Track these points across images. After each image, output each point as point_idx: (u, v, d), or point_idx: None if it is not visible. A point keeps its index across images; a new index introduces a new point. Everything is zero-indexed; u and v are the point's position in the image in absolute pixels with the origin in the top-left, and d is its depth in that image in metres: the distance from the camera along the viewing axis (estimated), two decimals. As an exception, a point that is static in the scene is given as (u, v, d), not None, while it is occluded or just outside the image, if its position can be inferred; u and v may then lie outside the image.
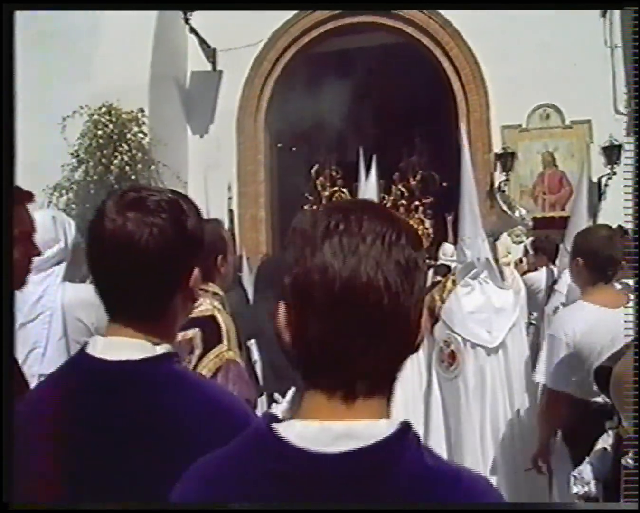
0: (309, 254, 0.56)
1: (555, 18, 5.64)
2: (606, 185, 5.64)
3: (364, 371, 0.55)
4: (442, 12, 6.05)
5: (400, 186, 7.68)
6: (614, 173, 5.58)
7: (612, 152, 5.58)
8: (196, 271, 0.86)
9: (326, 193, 7.61)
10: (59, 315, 1.74)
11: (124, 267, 0.81)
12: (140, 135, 5.68)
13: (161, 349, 0.83)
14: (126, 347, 0.82)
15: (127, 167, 5.49)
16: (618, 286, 2.09)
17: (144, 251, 0.80)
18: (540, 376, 2.01)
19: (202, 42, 6.38)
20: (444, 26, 6.10)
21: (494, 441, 2.41)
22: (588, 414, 1.89)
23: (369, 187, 3.22)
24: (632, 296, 1.98)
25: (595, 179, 5.74)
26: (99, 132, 5.46)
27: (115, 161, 5.47)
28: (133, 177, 5.52)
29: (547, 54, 5.60)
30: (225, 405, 0.82)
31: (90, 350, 0.84)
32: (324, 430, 0.54)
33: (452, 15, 6.03)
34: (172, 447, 0.77)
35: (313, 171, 7.57)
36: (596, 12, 5.84)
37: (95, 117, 5.50)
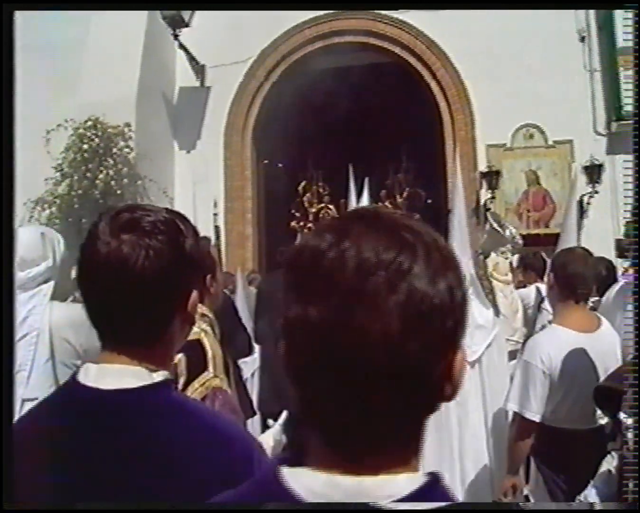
0: (293, 296, 0.45)
1: (538, 41, 5.83)
2: (588, 203, 5.77)
3: (366, 433, 0.45)
4: (429, 32, 6.19)
5: (387, 203, 7.74)
6: (596, 192, 5.72)
7: (593, 172, 5.72)
8: (194, 294, 0.83)
9: (313, 210, 7.64)
10: (45, 336, 1.67)
11: (119, 292, 0.76)
12: (127, 149, 5.63)
13: (158, 376, 0.78)
14: (121, 375, 0.77)
15: (113, 182, 5.42)
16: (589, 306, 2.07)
17: (140, 274, 0.76)
18: (512, 405, 1.93)
19: (191, 58, 6.39)
20: (430, 47, 6.23)
21: (473, 458, 2.40)
22: (561, 440, 1.87)
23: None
24: (603, 320, 1.98)
25: (577, 198, 5.87)
26: (85, 146, 5.38)
27: (101, 176, 5.39)
28: (119, 192, 5.45)
29: (530, 76, 5.75)
30: (226, 434, 0.78)
31: (81, 378, 0.79)
32: (332, 486, 0.46)
33: (438, 36, 6.17)
34: (172, 478, 0.73)
35: (300, 187, 7.59)
36: (576, 37, 6.05)
37: (81, 130, 5.43)
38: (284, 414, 1.77)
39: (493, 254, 3.39)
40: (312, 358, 0.44)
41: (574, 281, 1.94)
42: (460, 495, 2.30)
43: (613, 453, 1.52)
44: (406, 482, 0.46)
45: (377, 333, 0.42)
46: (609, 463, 1.51)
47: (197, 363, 1.41)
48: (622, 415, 1.37)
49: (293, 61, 6.69)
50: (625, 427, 1.32)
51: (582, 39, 6.03)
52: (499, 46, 5.85)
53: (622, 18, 5.96)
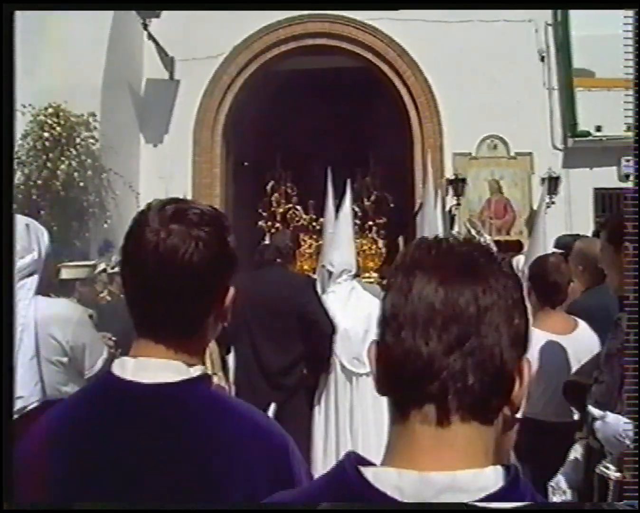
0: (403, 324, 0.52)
1: (503, 58, 6.11)
2: (545, 213, 6.10)
3: (455, 427, 0.50)
4: (401, 41, 6.34)
5: (354, 206, 7.82)
6: (553, 202, 6.06)
7: (550, 183, 6.07)
8: (231, 290, 0.83)
9: (280, 210, 7.62)
10: (31, 332, 1.58)
11: (165, 281, 0.76)
12: (91, 140, 5.39)
13: (196, 371, 0.78)
14: (161, 369, 0.77)
15: (76, 174, 5.17)
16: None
17: (187, 265, 0.75)
18: None
19: (160, 49, 6.21)
20: (401, 55, 6.38)
21: None
22: (538, 432, 1.96)
23: (344, 214, 3.27)
24: (580, 322, 2.12)
25: (535, 207, 6.20)
26: (45, 134, 5.11)
27: (62, 166, 5.13)
28: (82, 184, 5.21)
29: (496, 90, 6.03)
30: (264, 428, 0.79)
31: (118, 372, 0.77)
32: (424, 483, 0.47)
33: (409, 45, 6.34)
34: (215, 471, 0.74)
35: (268, 187, 7.55)
36: (537, 57, 6.39)
37: (41, 117, 5.15)
38: (273, 406, 1.78)
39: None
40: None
41: (552, 290, 2.08)
42: None
43: (580, 441, 1.61)
44: (494, 475, 0.49)
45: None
46: (576, 451, 1.61)
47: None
48: (590, 407, 1.46)
49: (266, 60, 6.65)
50: (592, 418, 1.42)
51: (542, 59, 6.38)
52: (467, 61, 6.09)
53: (578, 41, 6.38)
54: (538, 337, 2.03)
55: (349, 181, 3.61)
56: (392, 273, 0.56)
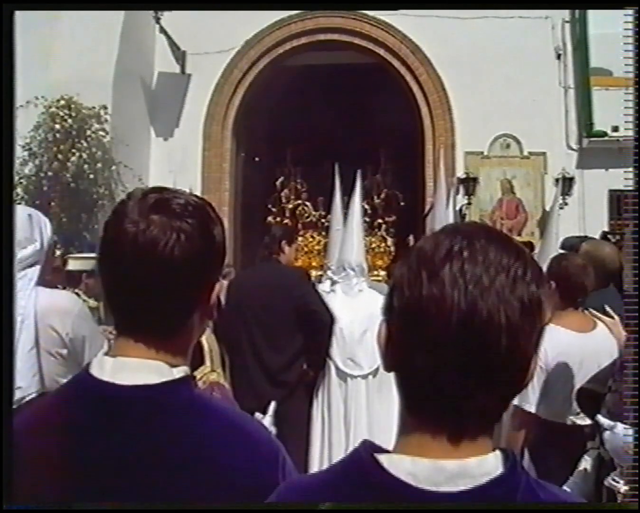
0: (426, 278, 0.51)
1: (518, 56, 6.01)
2: (559, 214, 6.00)
3: (472, 411, 0.51)
4: (414, 38, 6.26)
5: (364, 203, 7.77)
6: (566, 203, 5.95)
7: (564, 184, 5.95)
8: (218, 286, 0.78)
9: (290, 206, 7.59)
10: (31, 323, 1.57)
11: (145, 275, 0.71)
12: (102, 133, 5.41)
13: (179, 372, 0.74)
14: (141, 369, 0.72)
15: (86, 166, 5.19)
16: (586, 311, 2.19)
17: (168, 258, 0.71)
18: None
19: (172, 43, 6.21)
20: (414, 52, 6.31)
21: None
22: (554, 434, 1.97)
23: (353, 210, 3.20)
24: (598, 321, 2.09)
25: (548, 208, 6.10)
26: (57, 125, 5.14)
27: (73, 158, 5.16)
28: (92, 176, 5.24)
29: (510, 88, 5.92)
30: (251, 435, 0.75)
31: (95, 372, 0.73)
32: (436, 469, 0.51)
33: (423, 42, 6.26)
34: (196, 479, 0.70)
35: (278, 183, 7.54)
36: (553, 55, 6.27)
37: (53, 109, 5.18)
38: (273, 405, 1.76)
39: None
40: (438, 339, 0.50)
41: (577, 292, 2.08)
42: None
43: (591, 451, 1.57)
44: (494, 460, 0.52)
45: (502, 320, 0.50)
46: (587, 461, 1.57)
47: (194, 356, 1.37)
48: (600, 417, 1.42)
49: (277, 55, 6.62)
50: (603, 428, 1.38)
51: (559, 57, 6.25)
52: (481, 58, 5.99)
53: (596, 40, 6.24)
54: (557, 334, 2.00)
55: (359, 175, 3.47)
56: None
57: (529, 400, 1.97)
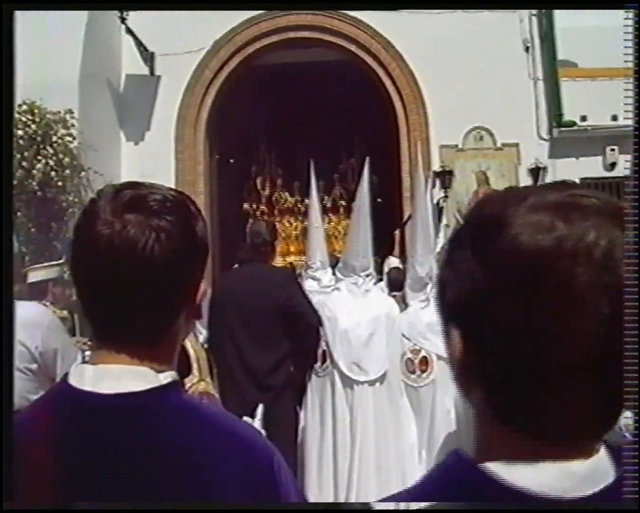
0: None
1: (488, 49, 6.08)
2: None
3: (580, 412, 0.44)
4: (385, 33, 6.27)
5: (339, 187, 7.79)
6: (540, 193, 6.06)
7: (537, 174, 6.06)
8: (203, 285, 0.74)
9: (266, 193, 7.52)
10: (-4, 338, 1.47)
11: (123, 279, 0.66)
12: (68, 138, 5.22)
13: (166, 378, 0.69)
14: (124, 376, 0.67)
15: (53, 173, 5.00)
16: None
17: (148, 260, 0.66)
18: None
19: (140, 44, 6.05)
20: (386, 48, 6.31)
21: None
22: None
23: (361, 203, 3.07)
24: None
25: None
26: (19, 132, 4.93)
27: (39, 165, 4.96)
28: (60, 183, 5.04)
29: (481, 81, 5.99)
30: (245, 440, 0.70)
31: (75, 382, 0.68)
32: (565, 475, 0.44)
33: (394, 37, 6.27)
34: (189, 490, 0.65)
35: (253, 170, 7.46)
36: (521, 48, 6.37)
37: (15, 115, 4.97)
38: (260, 408, 1.71)
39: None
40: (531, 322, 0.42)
41: None
42: (433, 461, 2.37)
43: None
44: (607, 458, 0.46)
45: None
46: None
47: (180, 366, 1.30)
48: None
49: (248, 54, 6.53)
50: None
51: (527, 49, 6.36)
52: (452, 52, 6.05)
53: (562, 33, 6.37)
54: None
55: (366, 167, 3.16)
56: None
57: None
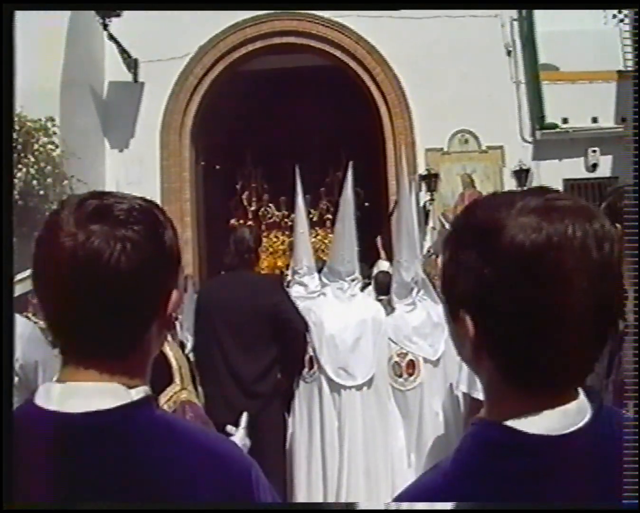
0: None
1: (471, 53, 6.15)
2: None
3: (564, 368, 0.56)
4: (369, 38, 6.31)
5: (326, 201, 7.80)
6: (525, 195, 6.12)
7: (521, 176, 6.14)
8: (175, 294, 0.71)
9: (252, 208, 7.49)
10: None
11: (89, 293, 0.63)
12: (50, 146, 5.14)
13: (138, 393, 0.66)
14: (93, 394, 0.64)
15: (35, 181, 4.91)
16: None
17: (114, 272, 0.63)
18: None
19: (123, 50, 6.00)
20: (370, 52, 6.35)
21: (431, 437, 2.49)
22: None
23: (345, 210, 3.04)
24: None
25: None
26: None
27: (19, 174, 4.86)
28: (42, 192, 4.96)
29: (464, 85, 6.06)
30: (222, 456, 0.68)
31: (40, 402, 0.65)
32: (564, 415, 0.57)
33: (378, 42, 6.32)
34: (166, 504, 0.63)
35: (239, 185, 7.43)
36: (503, 52, 6.46)
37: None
38: (244, 417, 1.68)
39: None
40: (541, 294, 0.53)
41: None
42: (422, 464, 2.36)
43: None
44: (583, 393, 0.58)
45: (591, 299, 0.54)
46: None
47: (161, 375, 1.27)
48: None
49: (232, 60, 6.52)
50: None
51: (509, 53, 6.45)
52: (436, 56, 6.11)
53: (543, 37, 6.48)
54: None
55: (349, 176, 3.17)
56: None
57: (478, 387, 1.96)
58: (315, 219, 7.44)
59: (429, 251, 3.34)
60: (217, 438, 0.74)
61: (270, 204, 7.46)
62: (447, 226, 3.42)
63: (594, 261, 0.53)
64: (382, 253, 5.43)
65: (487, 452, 0.57)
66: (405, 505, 0.62)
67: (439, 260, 3.28)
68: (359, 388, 2.50)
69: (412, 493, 0.61)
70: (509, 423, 0.56)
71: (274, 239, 7.01)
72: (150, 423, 0.66)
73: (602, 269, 0.53)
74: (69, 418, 0.62)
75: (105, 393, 0.64)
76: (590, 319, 0.53)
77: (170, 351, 1.36)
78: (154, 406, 0.69)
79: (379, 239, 5.92)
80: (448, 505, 0.56)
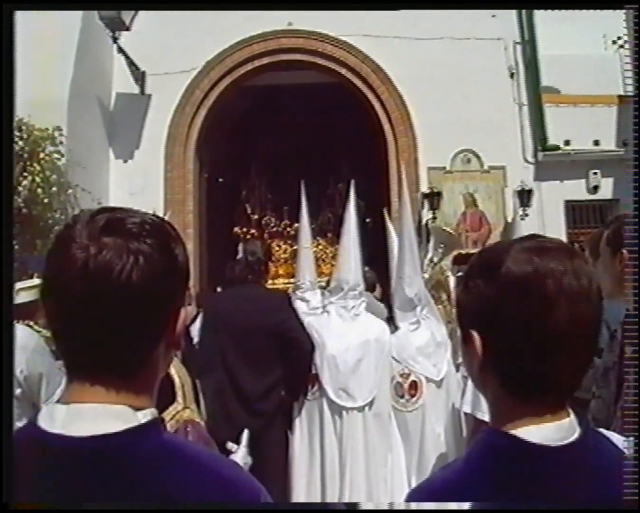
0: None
1: (475, 74, 6.24)
2: (521, 219, 6.20)
3: (555, 387, 0.66)
4: (375, 57, 6.39)
5: (327, 213, 7.81)
6: (527, 214, 6.15)
7: (523, 196, 6.17)
8: (183, 312, 0.70)
9: (255, 217, 7.50)
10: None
11: (99, 307, 0.62)
12: (56, 155, 5.17)
13: (145, 416, 0.64)
14: (100, 417, 0.62)
15: (39, 190, 4.93)
16: None
17: (125, 285, 0.62)
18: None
19: (131, 63, 6.07)
20: (375, 71, 6.43)
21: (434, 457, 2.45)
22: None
23: (349, 223, 3.02)
24: None
25: (509, 219, 6.30)
26: (7, 149, 4.87)
27: (25, 182, 4.88)
28: (46, 200, 4.98)
29: (468, 106, 6.13)
30: (230, 481, 0.67)
31: (44, 424, 0.62)
32: (559, 428, 0.66)
33: (383, 61, 6.40)
34: None
35: (243, 195, 7.46)
36: (506, 74, 6.55)
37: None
38: (246, 434, 1.66)
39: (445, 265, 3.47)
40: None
41: None
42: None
43: None
44: (574, 421, 0.68)
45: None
46: None
47: (164, 393, 1.25)
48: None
49: (239, 75, 6.59)
50: None
51: (512, 76, 6.54)
52: (440, 77, 6.19)
53: (545, 60, 6.57)
54: None
55: (352, 188, 3.14)
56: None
57: (482, 408, 1.90)
58: (316, 229, 7.45)
59: (431, 261, 3.34)
60: (226, 463, 0.73)
61: (272, 213, 7.48)
62: (446, 229, 3.41)
63: (574, 289, 0.64)
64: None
65: (495, 456, 0.65)
66: (414, 505, 0.70)
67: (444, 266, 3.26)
68: (360, 409, 2.46)
69: (426, 489, 0.70)
70: (514, 432, 0.65)
71: (276, 248, 7.03)
72: (158, 447, 0.64)
73: (580, 297, 0.64)
74: (74, 441, 0.60)
75: (112, 416, 0.62)
76: (574, 338, 0.64)
77: (173, 368, 1.34)
78: (161, 429, 0.67)
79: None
80: (455, 505, 0.65)
